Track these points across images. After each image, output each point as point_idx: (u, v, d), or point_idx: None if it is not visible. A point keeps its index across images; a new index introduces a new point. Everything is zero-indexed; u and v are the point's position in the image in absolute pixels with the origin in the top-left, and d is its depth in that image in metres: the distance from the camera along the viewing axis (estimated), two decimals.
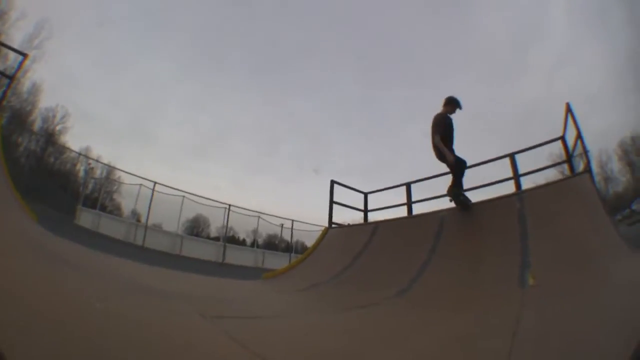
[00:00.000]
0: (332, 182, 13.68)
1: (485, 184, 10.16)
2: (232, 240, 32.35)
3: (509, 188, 9.60)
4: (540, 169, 10.25)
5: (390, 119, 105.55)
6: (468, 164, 9.00)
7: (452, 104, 9.18)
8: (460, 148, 8.75)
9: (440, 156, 8.73)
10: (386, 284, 7.26)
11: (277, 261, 29.35)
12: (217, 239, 32.47)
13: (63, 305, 3.12)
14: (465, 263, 6.77)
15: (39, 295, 3.12)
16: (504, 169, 10.15)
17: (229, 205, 28.82)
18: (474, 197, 9.04)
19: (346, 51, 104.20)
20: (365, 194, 14.46)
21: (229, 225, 29.79)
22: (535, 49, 78.46)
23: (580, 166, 9.44)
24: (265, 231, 37.14)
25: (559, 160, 10.76)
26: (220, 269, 19.95)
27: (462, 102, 9.19)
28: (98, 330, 2.75)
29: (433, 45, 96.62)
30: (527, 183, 9.66)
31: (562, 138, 9.67)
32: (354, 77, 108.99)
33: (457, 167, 8.69)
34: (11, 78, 12.23)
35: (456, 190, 8.74)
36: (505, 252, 6.48)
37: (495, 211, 8.02)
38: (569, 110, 8.90)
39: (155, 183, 25.38)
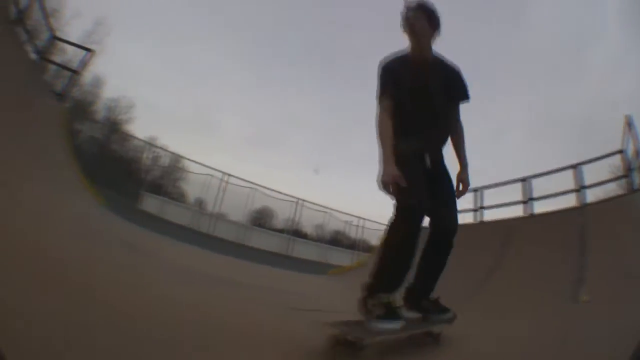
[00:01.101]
0: None
1: (546, 195, 9.97)
2: (297, 233, 32.45)
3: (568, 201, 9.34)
4: (600, 183, 9.99)
5: None
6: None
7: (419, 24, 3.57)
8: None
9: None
10: (453, 288, 7.28)
11: (342, 258, 29.51)
12: (282, 231, 32.80)
13: (144, 294, 3.31)
14: (525, 273, 6.71)
15: (118, 286, 3.26)
16: (560, 180, 9.93)
17: (300, 199, 29.32)
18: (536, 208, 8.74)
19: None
20: None
21: (295, 219, 30.06)
22: (591, 52, 74.88)
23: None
24: (330, 227, 37.29)
25: (618, 172, 10.34)
26: (286, 261, 20.16)
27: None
28: (185, 320, 2.88)
29: (485, 42, 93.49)
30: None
31: (622, 152, 9.36)
32: None
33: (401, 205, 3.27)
34: (75, 72, 13.04)
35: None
36: (564, 265, 6.39)
37: (558, 224, 7.77)
38: (629, 123, 8.67)
39: (224, 174, 26.21)
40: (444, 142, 3.76)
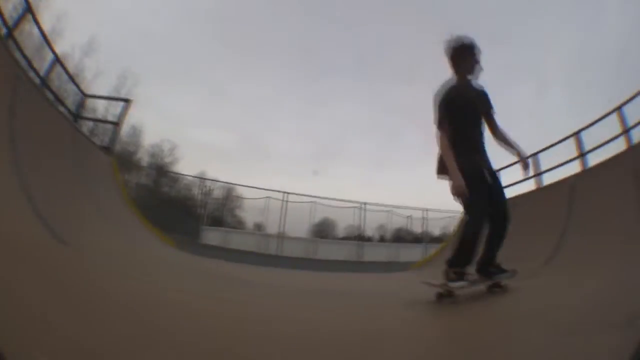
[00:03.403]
0: None
1: (596, 146, 9.41)
2: (362, 237, 32.55)
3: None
4: None
5: (499, 86, 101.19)
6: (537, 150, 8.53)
7: (464, 55, 4.86)
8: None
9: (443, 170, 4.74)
10: (532, 255, 7.04)
11: (411, 253, 28.92)
12: (346, 238, 33.05)
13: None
14: (599, 227, 6.46)
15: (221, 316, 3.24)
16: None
17: (364, 203, 29.51)
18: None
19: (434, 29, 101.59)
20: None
21: (358, 223, 30.15)
22: None
23: None
24: (393, 225, 37.35)
25: None
26: (360, 266, 20.12)
27: (473, 41, 4.85)
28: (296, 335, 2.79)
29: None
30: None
31: None
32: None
33: (473, 207, 4.57)
34: (116, 124, 13.67)
35: (458, 268, 4.47)
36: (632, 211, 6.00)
37: (615, 172, 7.18)
38: None
39: (285, 193, 26.71)
40: (478, 141, 4.87)
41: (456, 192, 4.38)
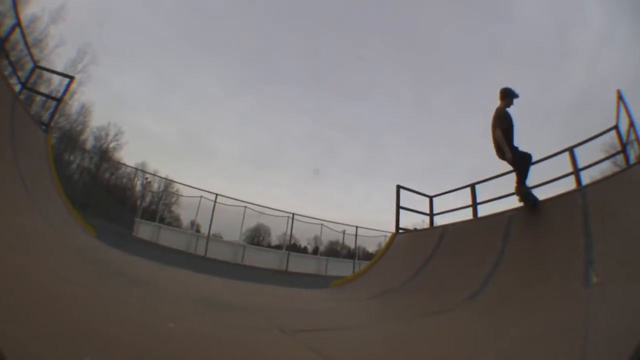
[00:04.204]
0: (398, 187, 13.80)
1: (547, 181, 9.82)
2: (293, 248, 32.45)
3: (567, 184, 9.29)
4: (597, 162, 9.74)
5: (444, 118, 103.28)
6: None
7: (509, 96, 8.63)
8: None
9: (500, 152, 8.39)
10: (457, 288, 7.34)
11: (340, 268, 29.64)
12: (278, 247, 32.99)
13: (136, 327, 3.16)
14: (532, 263, 6.66)
15: (109, 318, 3.16)
16: (558, 165, 10.05)
17: (293, 214, 29.46)
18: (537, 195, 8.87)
19: (392, 54, 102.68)
20: (431, 198, 14.29)
21: (289, 233, 29.97)
22: (576, 33, 74.45)
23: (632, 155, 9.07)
24: (326, 238, 37.38)
25: (612, 150, 10.19)
26: (284, 277, 20.12)
27: (517, 91, 8.68)
28: (179, 354, 2.70)
29: (473, 37, 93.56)
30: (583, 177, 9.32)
31: (616, 127, 9.24)
32: (404, 80, 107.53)
33: (521, 163, 8.23)
34: (59, 100, 13.08)
35: (524, 189, 8.18)
36: (570, 250, 6.23)
37: (560, 209, 7.60)
38: (619, 97, 8.88)
39: (217, 195, 26.28)
40: (514, 140, 8.38)
41: (509, 159, 8.07)
